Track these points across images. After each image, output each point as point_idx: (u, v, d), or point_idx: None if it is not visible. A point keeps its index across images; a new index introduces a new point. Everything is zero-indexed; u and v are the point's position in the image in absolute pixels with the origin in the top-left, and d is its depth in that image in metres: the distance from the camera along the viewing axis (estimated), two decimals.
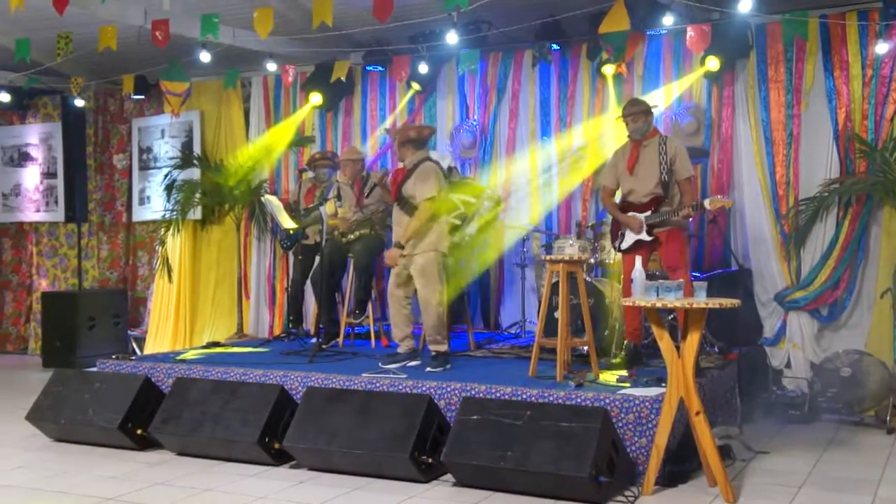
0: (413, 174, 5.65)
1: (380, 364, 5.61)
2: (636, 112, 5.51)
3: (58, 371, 6.05)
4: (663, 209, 5.45)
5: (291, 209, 7.38)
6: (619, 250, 5.65)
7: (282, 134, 8.41)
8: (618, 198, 5.75)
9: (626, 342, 5.60)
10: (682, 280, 4.51)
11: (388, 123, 8.13)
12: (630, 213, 5.56)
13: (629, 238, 5.55)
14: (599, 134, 7.24)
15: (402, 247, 5.64)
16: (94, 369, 6.30)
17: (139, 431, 5.32)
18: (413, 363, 5.68)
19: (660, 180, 5.44)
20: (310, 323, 7.79)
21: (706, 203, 5.25)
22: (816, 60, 6.44)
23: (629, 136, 5.62)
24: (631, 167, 5.52)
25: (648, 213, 5.47)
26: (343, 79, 7.69)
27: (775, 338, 6.55)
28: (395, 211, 5.80)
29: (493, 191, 7.22)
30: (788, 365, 6.49)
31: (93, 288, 9.63)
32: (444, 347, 5.65)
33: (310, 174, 7.57)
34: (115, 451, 5.33)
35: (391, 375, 5.29)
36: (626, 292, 5.35)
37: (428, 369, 5.49)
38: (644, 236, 5.47)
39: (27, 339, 10.10)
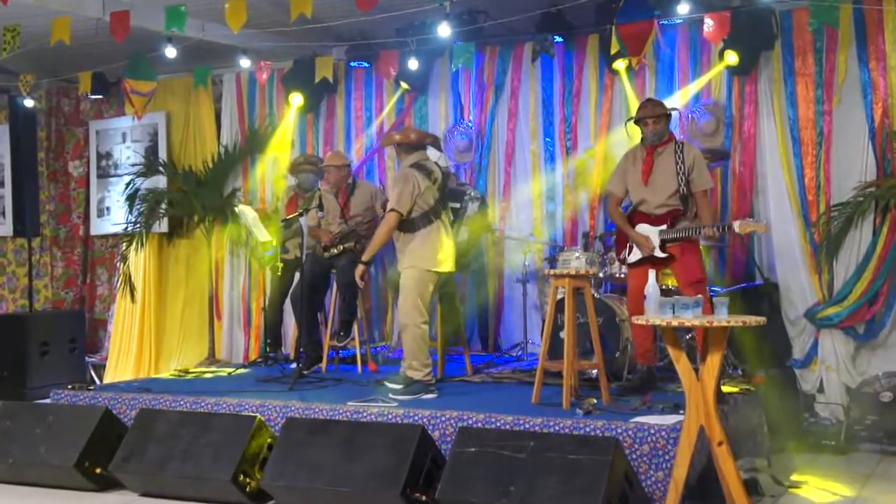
0: None
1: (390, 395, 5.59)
2: (658, 115, 5.51)
3: (5, 404, 6.04)
4: (681, 225, 5.46)
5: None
6: (626, 263, 5.66)
7: (280, 150, 8.42)
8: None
9: (638, 365, 5.64)
10: (700, 296, 4.54)
11: (375, 126, 8.20)
12: (640, 226, 5.56)
13: (638, 251, 5.57)
14: (608, 135, 7.30)
15: (366, 264, 5.68)
16: (47, 401, 6.31)
17: (98, 470, 5.32)
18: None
19: (677, 191, 5.46)
20: (289, 346, 7.80)
21: (735, 226, 5.22)
22: (850, 50, 6.48)
23: (643, 141, 5.63)
24: (645, 176, 5.54)
25: (663, 227, 5.49)
26: (329, 78, 7.74)
27: (806, 359, 6.58)
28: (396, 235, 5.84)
29: (475, 190, 7.27)
30: (821, 389, 6.51)
31: (45, 310, 9.62)
32: (418, 375, 5.62)
33: (290, 181, 7.60)
34: (70, 493, 5.32)
35: (379, 404, 5.31)
36: (634, 309, 5.38)
37: (391, 395, 5.50)
38: (657, 252, 5.48)
39: None
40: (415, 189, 5.60)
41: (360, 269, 5.72)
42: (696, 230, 5.39)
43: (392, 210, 5.59)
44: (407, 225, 5.65)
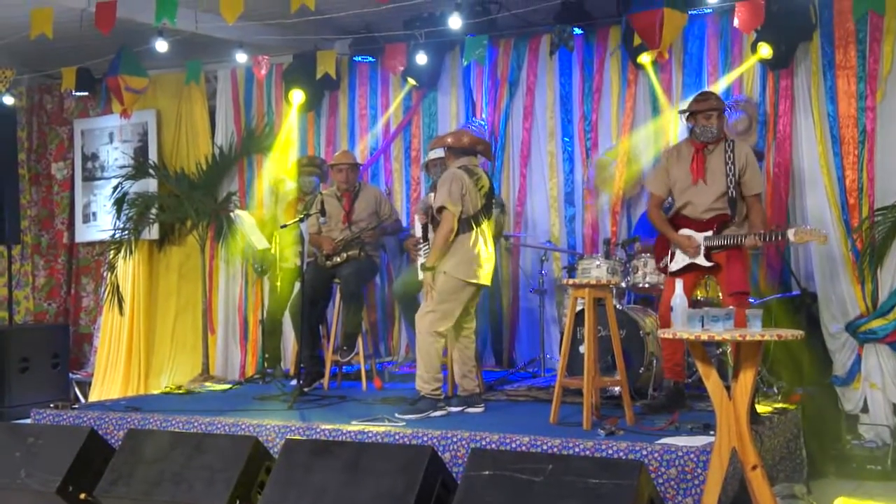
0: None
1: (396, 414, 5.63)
2: (715, 108, 5.47)
3: None
4: (729, 231, 5.43)
5: None
6: (669, 273, 5.60)
7: (283, 153, 8.46)
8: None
9: (665, 381, 5.64)
10: (732, 307, 4.54)
11: (381, 125, 8.23)
12: (684, 231, 5.54)
13: (681, 259, 5.53)
14: (631, 134, 7.32)
15: (431, 269, 5.72)
16: (28, 421, 6.36)
17: (83, 495, 5.32)
18: (475, 409, 5.81)
19: (725, 194, 5.44)
20: (289, 362, 7.84)
21: (790, 234, 5.17)
22: None
23: (695, 136, 5.58)
24: (695, 176, 5.51)
25: (709, 233, 5.47)
26: (331, 73, 7.78)
27: (848, 376, 6.55)
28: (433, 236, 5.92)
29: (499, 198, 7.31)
30: (865, 409, 6.47)
31: (26, 323, 9.68)
32: (427, 388, 5.68)
33: (289, 184, 7.65)
34: None
35: (385, 424, 5.34)
36: (666, 321, 5.38)
37: (397, 414, 5.56)
38: (701, 260, 5.45)
39: None
40: (462, 188, 5.70)
41: (427, 275, 5.74)
42: (744, 238, 5.34)
43: (443, 208, 5.66)
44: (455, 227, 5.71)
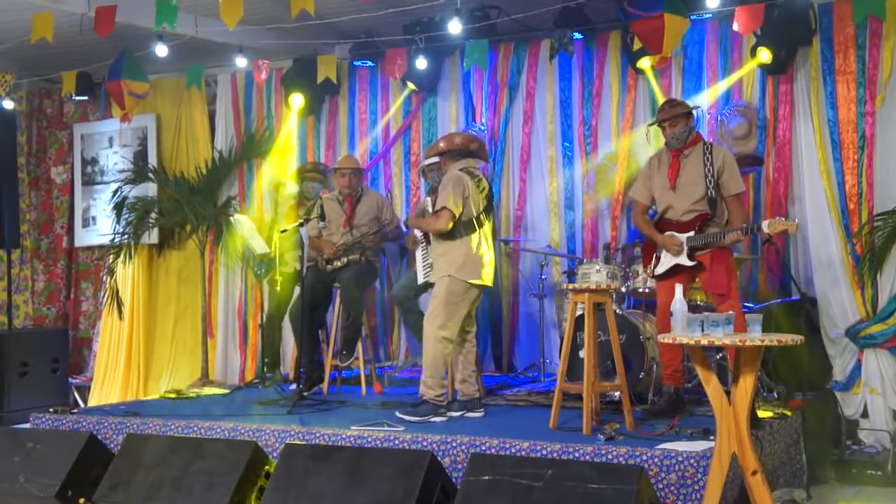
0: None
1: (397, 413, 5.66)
2: (675, 115, 5.60)
3: None
4: (710, 230, 5.51)
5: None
6: (654, 276, 5.70)
7: (282, 157, 8.47)
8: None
9: (664, 387, 5.64)
10: (732, 312, 4.55)
11: (380, 129, 8.25)
12: (668, 233, 5.63)
13: (666, 261, 5.61)
14: (630, 138, 7.33)
15: (416, 227, 5.83)
16: (27, 426, 6.35)
17: (82, 500, 5.32)
18: (475, 414, 5.83)
19: (705, 196, 5.52)
20: (288, 366, 7.84)
21: (764, 226, 5.25)
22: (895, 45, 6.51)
23: (666, 145, 5.72)
24: (673, 181, 5.61)
25: (691, 233, 5.54)
26: (332, 78, 7.79)
27: (848, 381, 6.57)
28: (434, 242, 5.91)
29: None
30: (865, 414, 6.49)
31: (25, 327, 9.68)
32: (431, 393, 5.69)
33: (290, 188, 7.65)
34: None
35: (385, 429, 5.34)
36: (662, 326, 5.40)
37: (398, 413, 5.57)
38: (684, 260, 5.52)
39: None
40: (465, 191, 5.71)
41: (409, 237, 5.75)
42: (724, 233, 5.43)
43: (444, 209, 5.65)
44: (447, 231, 5.72)
